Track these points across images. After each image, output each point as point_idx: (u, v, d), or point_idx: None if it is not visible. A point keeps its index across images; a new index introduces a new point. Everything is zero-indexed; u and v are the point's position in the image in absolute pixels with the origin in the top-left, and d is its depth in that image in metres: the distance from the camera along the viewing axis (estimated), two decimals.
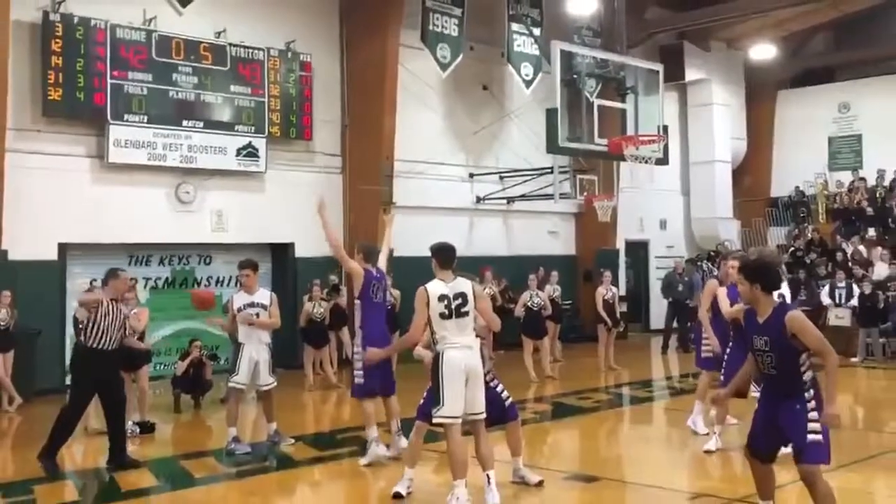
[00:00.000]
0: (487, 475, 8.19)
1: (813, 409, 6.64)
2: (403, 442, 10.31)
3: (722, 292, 10.66)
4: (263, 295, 11.77)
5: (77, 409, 10.72)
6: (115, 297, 10.56)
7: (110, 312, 10.41)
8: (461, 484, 8.03)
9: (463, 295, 8.23)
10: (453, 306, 8.17)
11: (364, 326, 10.55)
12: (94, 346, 10.32)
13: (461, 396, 8.16)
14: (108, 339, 10.38)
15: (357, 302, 10.66)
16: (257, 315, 11.48)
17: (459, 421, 8.21)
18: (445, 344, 8.14)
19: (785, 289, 6.99)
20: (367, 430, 10.48)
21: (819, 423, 6.58)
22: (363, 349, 10.36)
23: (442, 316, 8.15)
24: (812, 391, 6.68)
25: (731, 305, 9.75)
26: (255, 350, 11.43)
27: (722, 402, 9.15)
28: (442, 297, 8.18)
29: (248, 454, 11.13)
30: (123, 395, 11.03)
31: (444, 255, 8.62)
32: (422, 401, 8.76)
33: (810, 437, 6.59)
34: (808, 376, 6.69)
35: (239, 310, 11.45)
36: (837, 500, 6.64)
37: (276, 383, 11.79)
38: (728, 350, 10.46)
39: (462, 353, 8.13)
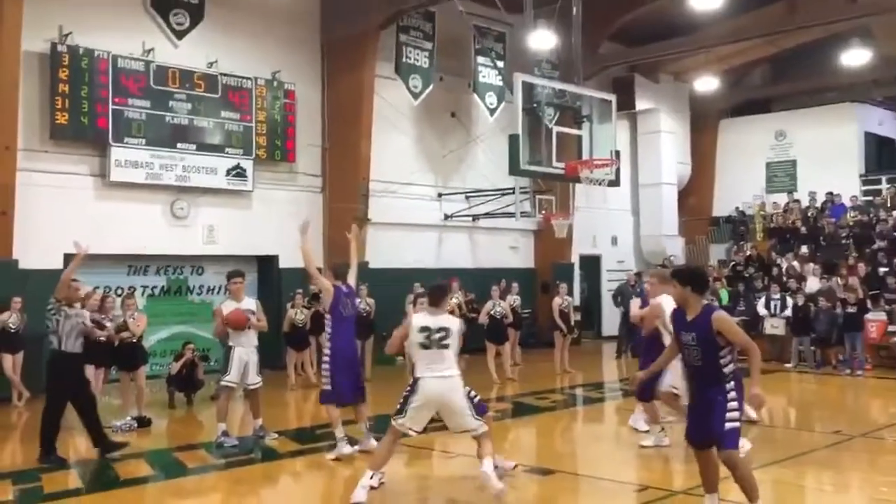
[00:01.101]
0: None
1: (733, 400, 6.97)
2: (373, 441, 10.45)
3: (636, 303, 11.05)
4: (250, 302, 11.93)
5: (55, 407, 10.79)
6: (70, 303, 10.76)
7: (70, 318, 10.66)
8: (371, 475, 8.26)
9: (446, 329, 8.23)
10: (435, 338, 8.18)
11: (332, 339, 10.74)
12: (62, 349, 10.56)
13: (424, 420, 8.34)
14: (70, 343, 10.61)
15: (327, 316, 10.89)
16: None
17: (412, 434, 8.40)
18: (424, 372, 8.19)
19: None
20: (334, 430, 10.65)
21: (736, 412, 6.96)
22: (331, 360, 10.61)
23: (422, 346, 8.22)
24: (733, 383, 7.02)
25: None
26: (245, 352, 11.55)
27: (637, 384, 9.25)
28: (423, 329, 8.22)
29: (235, 447, 11.23)
30: (91, 392, 11.22)
31: (434, 295, 8.58)
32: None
33: (728, 425, 6.93)
34: (728, 369, 7.03)
35: None
36: (772, 493, 6.92)
37: (262, 383, 11.94)
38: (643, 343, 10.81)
39: (438, 384, 8.15)
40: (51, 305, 10.73)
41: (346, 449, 10.58)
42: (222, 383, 11.58)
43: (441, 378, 8.16)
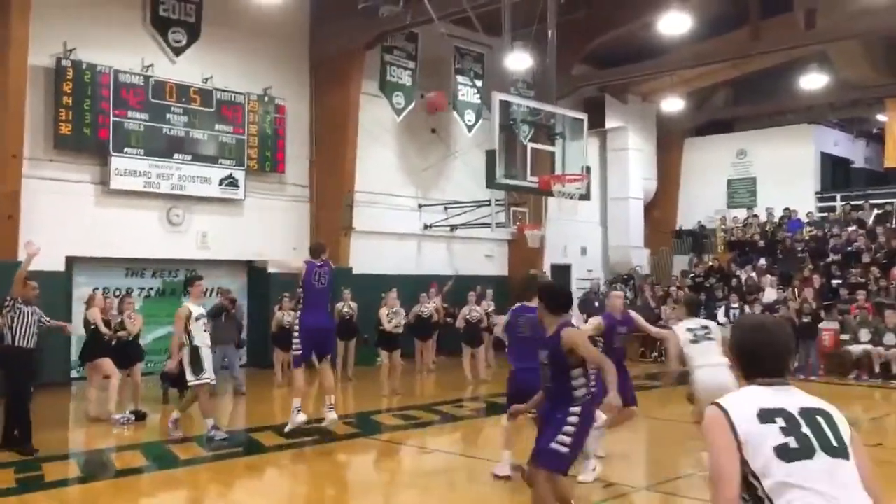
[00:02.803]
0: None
1: (572, 425, 6.31)
2: (332, 415, 10.93)
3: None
4: (206, 305, 12.18)
5: (20, 398, 10.82)
6: (28, 301, 10.82)
7: (25, 316, 10.73)
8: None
9: None
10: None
11: (304, 308, 11.13)
12: (16, 344, 10.66)
13: None
14: (25, 338, 10.71)
15: (299, 290, 11.22)
16: (205, 324, 11.82)
17: None
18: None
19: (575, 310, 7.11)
20: (292, 399, 11.01)
21: (569, 438, 6.26)
22: (301, 327, 11.00)
23: None
24: (580, 408, 6.37)
25: (613, 333, 9.88)
26: (208, 350, 11.77)
27: (515, 416, 8.47)
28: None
29: (224, 440, 11.38)
30: (29, 389, 11.20)
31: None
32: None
33: (553, 445, 6.29)
34: (579, 393, 6.43)
35: (197, 318, 11.63)
36: None
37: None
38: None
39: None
40: (7, 302, 10.79)
41: (300, 418, 11.02)
42: (199, 381, 11.59)
43: None
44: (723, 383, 8.14)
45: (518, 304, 9.07)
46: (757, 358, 3.25)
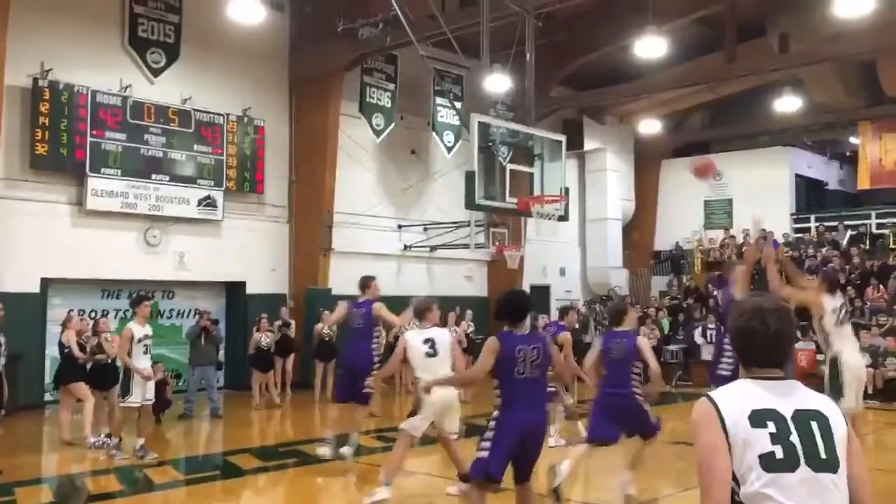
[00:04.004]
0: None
1: (490, 430, 6.55)
2: (345, 450, 10.76)
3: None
4: (148, 328, 11.82)
5: None
6: None
7: None
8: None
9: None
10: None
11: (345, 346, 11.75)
12: None
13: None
14: None
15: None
16: (147, 346, 11.59)
17: None
18: None
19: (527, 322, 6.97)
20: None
21: (487, 443, 6.50)
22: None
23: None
24: (498, 413, 6.52)
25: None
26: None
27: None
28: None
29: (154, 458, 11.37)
30: None
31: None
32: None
33: (477, 453, 6.59)
34: (496, 402, 6.59)
35: (139, 340, 11.41)
36: None
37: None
38: None
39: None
40: None
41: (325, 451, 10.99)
42: (126, 405, 11.46)
43: None
44: (861, 363, 8.00)
45: (609, 331, 9.18)
46: (754, 346, 3.04)
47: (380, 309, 11.12)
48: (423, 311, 9.07)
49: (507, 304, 6.77)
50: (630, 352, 8.38)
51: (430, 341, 8.82)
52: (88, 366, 12.94)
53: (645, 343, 8.47)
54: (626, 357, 8.40)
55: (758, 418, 2.88)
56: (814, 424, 2.90)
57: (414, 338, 8.96)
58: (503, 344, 6.50)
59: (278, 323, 18.04)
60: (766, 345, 3.02)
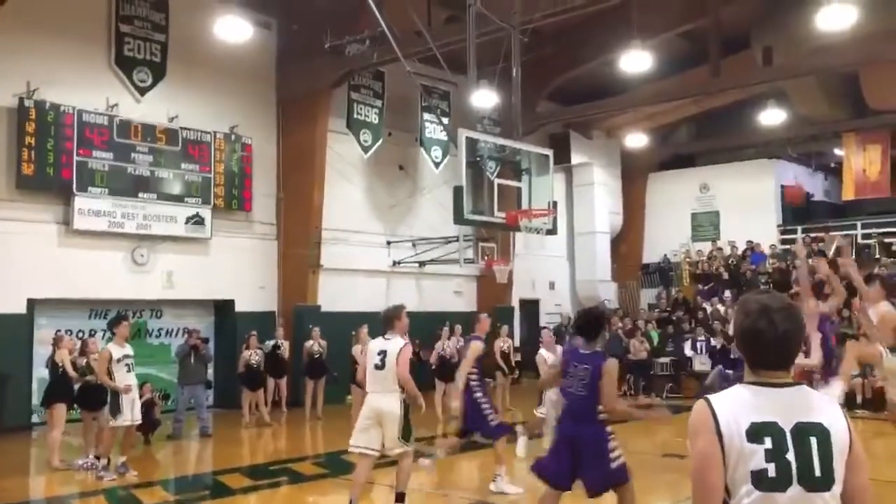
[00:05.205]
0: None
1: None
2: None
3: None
4: (128, 348, 11.83)
5: None
6: None
7: None
8: None
9: None
10: None
11: None
12: None
13: None
14: None
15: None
16: (129, 365, 11.59)
17: None
18: None
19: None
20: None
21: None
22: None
23: None
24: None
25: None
26: (132, 393, 11.58)
27: None
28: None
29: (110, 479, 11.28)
30: None
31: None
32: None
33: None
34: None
35: (119, 360, 11.43)
36: None
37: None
38: None
39: None
40: None
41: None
42: (117, 424, 11.45)
43: None
44: None
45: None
46: (761, 348, 2.95)
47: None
48: (392, 319, 8.84)
49: (577, 321, 7.33)
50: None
51: (382, 353, 8.63)
52: (77, 386, 12.77)
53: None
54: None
55: (755, 433, 2.81)
56: (813, 441, 2.83)
57: (372, 347, 8.86)
58: (563, 357, 7.10)
59: (272, 342, 17.97)
60: (775, 346, 2.93)
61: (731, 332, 21.60)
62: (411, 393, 8.50)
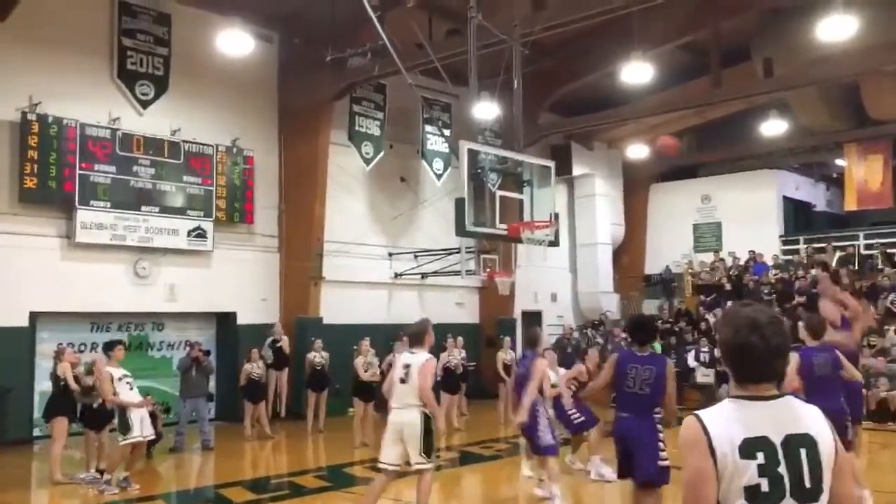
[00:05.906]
0: None
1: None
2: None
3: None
4: (122, 369, 11.88)
5: None
6: None
7: None
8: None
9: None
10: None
11: None
12: None
13: None
14: None
15: None
16: (130, 383, 11.67)
17: None
18: None
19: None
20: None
21: None
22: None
23: None
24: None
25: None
26: (138, 409, 11.62)
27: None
28: None
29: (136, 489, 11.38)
30: None
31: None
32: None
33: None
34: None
35: (120, 379, 11.50)
36: None
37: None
38: None
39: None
40: None
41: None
42: (128, 441, 11.46)
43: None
44: None
45: (804, 346, 8.71)
46: (746, 360, 2.94)
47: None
48: (421, 335, 8.82)
49: (629, 327, 7.98)
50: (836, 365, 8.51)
51: (407, 367, 8.61)
52: (79, 406, 12.70)
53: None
54: (835, 371, 8.48)
55: (748, 449, 2.81)
56: (803, 452, 2.84)
57: (399, 361, 8.84)
58: (618, 360, 7.62)
59: (270, 339, 18.04)
60: (765, 360, 2.92)
61: None
62: (430, 408, 8.44)
